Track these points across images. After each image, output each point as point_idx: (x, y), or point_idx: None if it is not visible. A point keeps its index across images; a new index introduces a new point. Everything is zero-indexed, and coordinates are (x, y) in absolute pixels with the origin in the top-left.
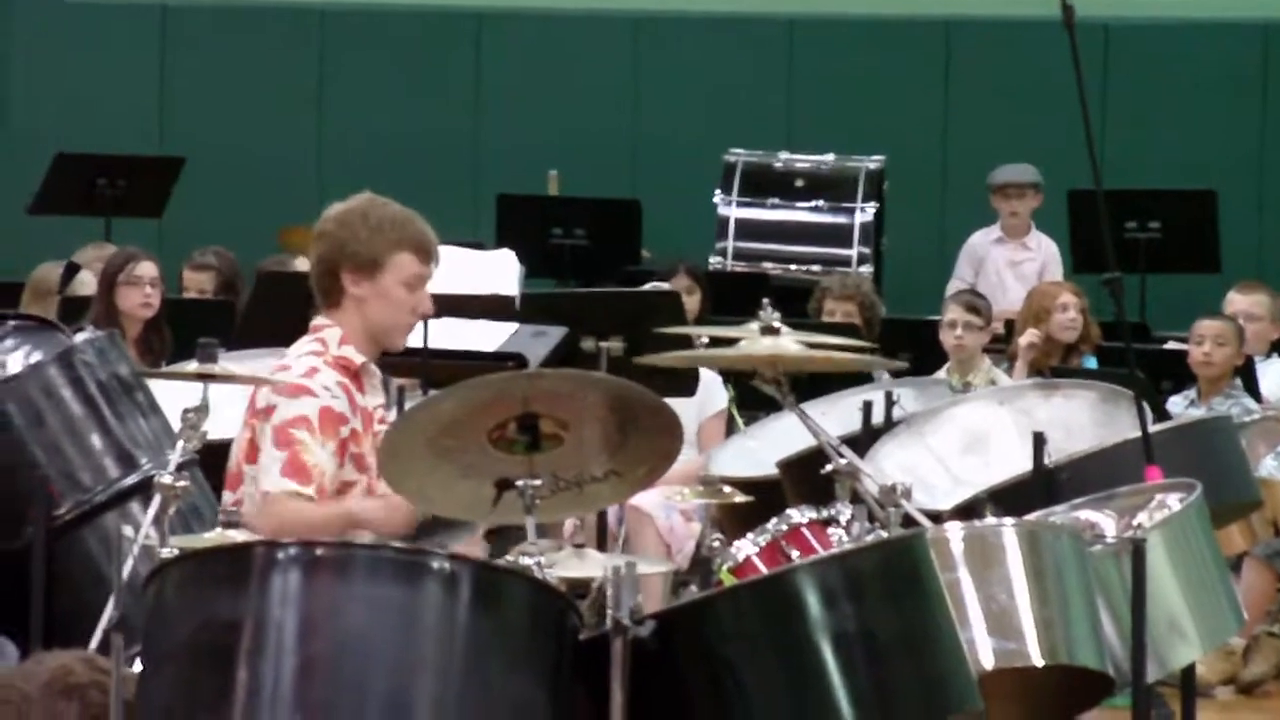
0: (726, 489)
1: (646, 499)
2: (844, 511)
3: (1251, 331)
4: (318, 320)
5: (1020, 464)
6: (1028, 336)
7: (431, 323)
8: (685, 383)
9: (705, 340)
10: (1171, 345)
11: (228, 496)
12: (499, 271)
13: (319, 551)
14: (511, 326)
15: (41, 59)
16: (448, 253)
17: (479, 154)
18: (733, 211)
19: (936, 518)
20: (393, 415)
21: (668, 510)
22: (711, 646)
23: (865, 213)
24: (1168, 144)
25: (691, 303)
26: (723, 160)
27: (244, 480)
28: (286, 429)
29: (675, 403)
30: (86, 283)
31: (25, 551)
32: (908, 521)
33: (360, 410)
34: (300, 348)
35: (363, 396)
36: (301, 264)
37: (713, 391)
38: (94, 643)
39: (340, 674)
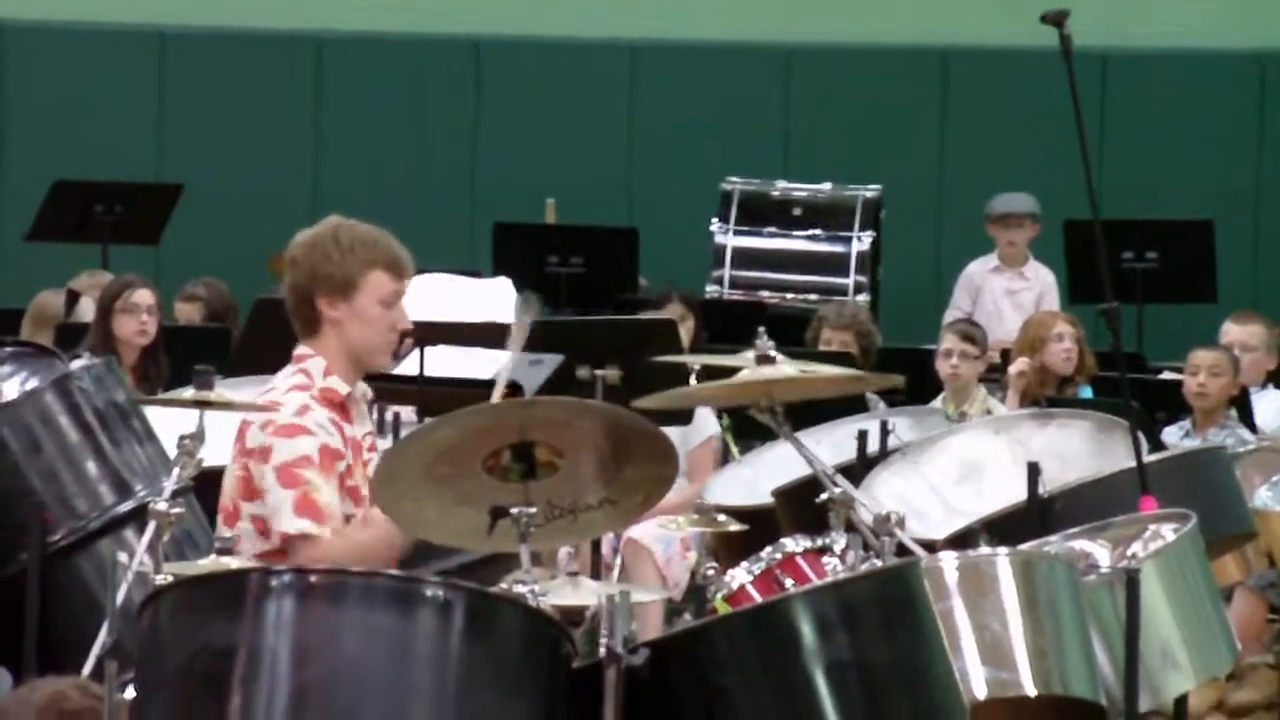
0: (721, 517)
1: (644, 532)
2: (838, 540)
3: (1247, 362)
4: (300, 349)
5: (1015, 493)
6: (1017, 365)
7: (427, 350)
8: (681, 411)
9: (699, 368)
10: (1167, 375)
11: (224, 532)
12: (495, 299)
13: (312, 579)
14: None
15: (39, 85)
16: (444, 280)
17: (476, 182)
18: (729, 240)
19: (931, 547)
20: (387, 442)
21: (666, 544)
22: (705, 675)
23: (862, 241)
24: (1165, 174)
25: (685, 330)
26: (720, 189)
27: (241, 517)
28: (290, 469)
29: (664, 430)
30: (84, 310)
31: (20, 578)
32: (902, 550)
33: (350, 441)
34: (285, 380)
35: (351, 427)
36: None
37: (702, 419)
38: (88, 669)
39: (334, 701)
